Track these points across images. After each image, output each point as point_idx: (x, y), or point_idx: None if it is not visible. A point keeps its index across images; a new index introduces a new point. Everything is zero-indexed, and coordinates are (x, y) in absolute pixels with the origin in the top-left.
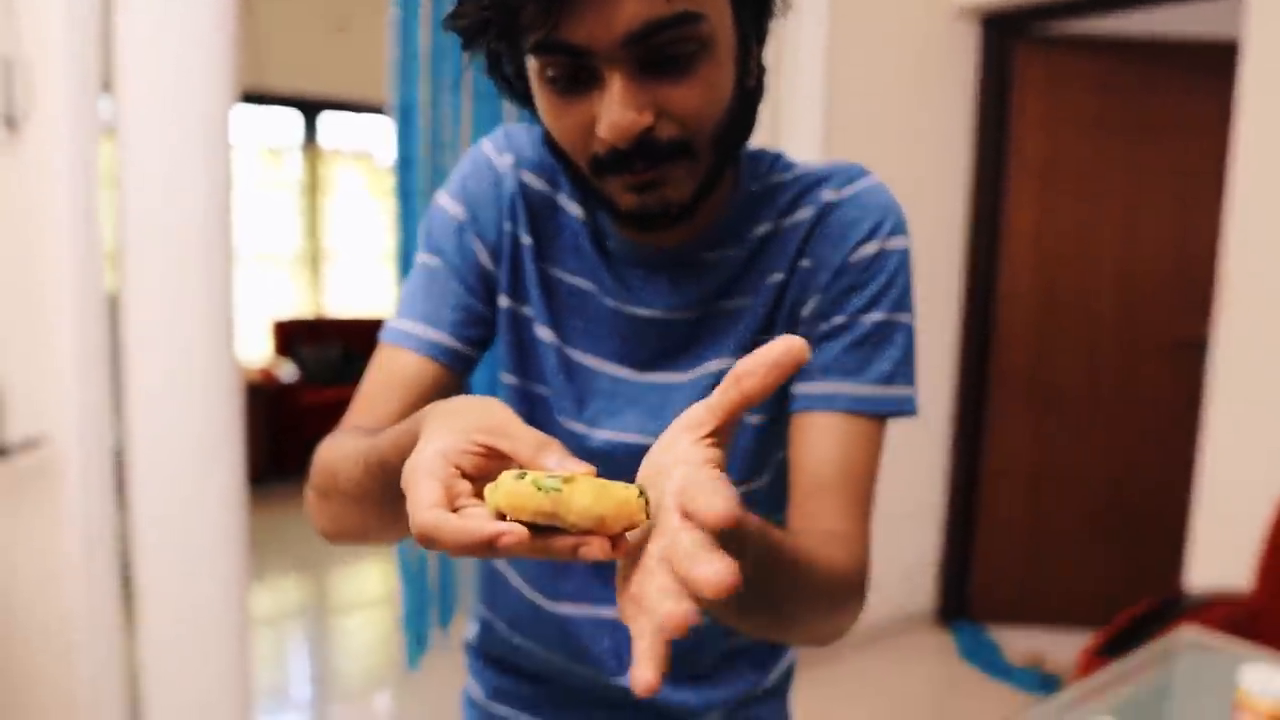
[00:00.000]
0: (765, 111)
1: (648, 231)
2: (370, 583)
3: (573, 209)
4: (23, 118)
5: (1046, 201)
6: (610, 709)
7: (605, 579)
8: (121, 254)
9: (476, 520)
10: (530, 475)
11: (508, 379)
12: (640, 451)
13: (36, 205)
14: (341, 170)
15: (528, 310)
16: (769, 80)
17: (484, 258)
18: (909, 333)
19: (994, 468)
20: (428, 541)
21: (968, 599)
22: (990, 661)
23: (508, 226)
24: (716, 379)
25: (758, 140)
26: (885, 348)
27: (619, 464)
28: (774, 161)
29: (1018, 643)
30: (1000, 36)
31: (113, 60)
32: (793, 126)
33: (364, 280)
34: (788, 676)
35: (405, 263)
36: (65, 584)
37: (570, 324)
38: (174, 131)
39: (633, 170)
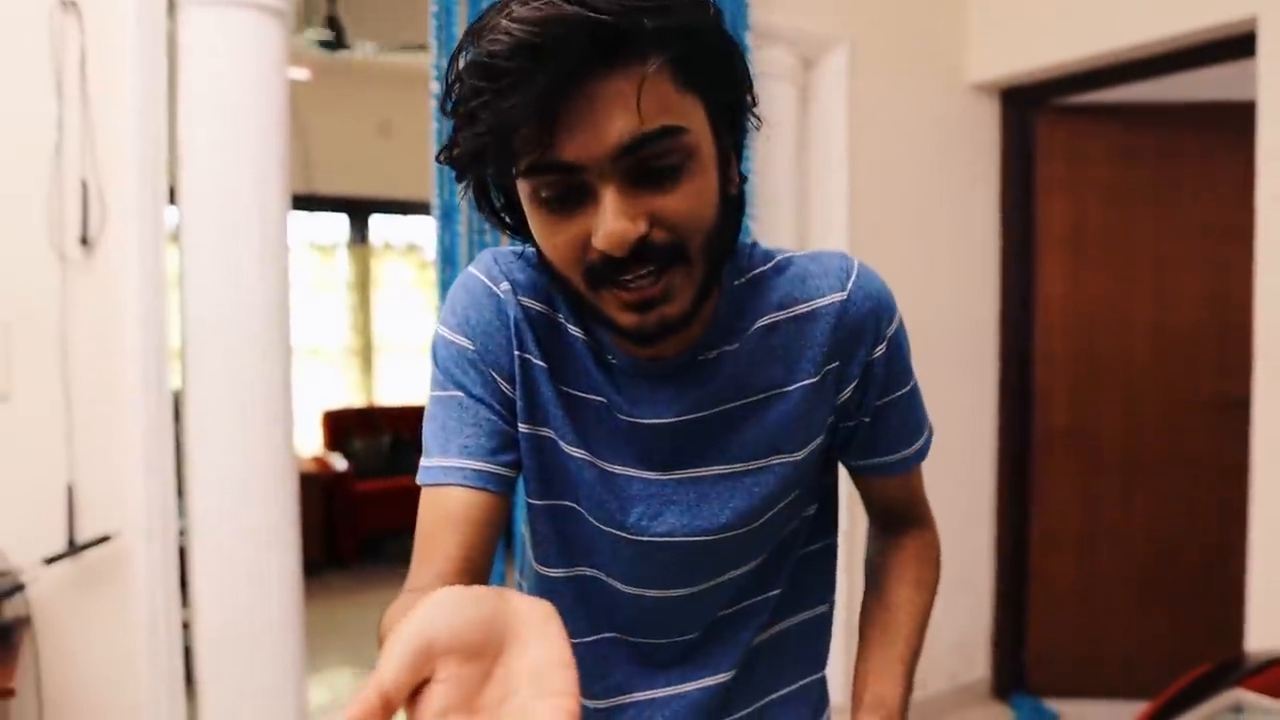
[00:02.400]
0: (795, 195)
1: (647, 345)
2: None
3: (573, 329)
4: (98, 236)
5: (1076, 266)
6: None
7: (651, 664)
8: (185, 353)
9: None
10: None
11: (537, 501)
12: (689, 547)
13: (110, 314)
14: (390, 264)
15: (548, 432)
16: (798, 175)
17: (503, 385)
18: (917, 385)
19: (1042, 533)
20: None
21: (1023, 670)
22: None
23: (517, 353)
24: (747, 471)
25: (792, 213)
26: (911, 410)
27: (669, 552)
28: (750, 253)
29: (1076, 714)
30: (1020, 108)
31: (177, 173)
32: (823, 211)
33: (412, 370)
34: None
35: None
36: (132, 675)
37: (594, 437)
38: (233, 236)
39: (630, 277)
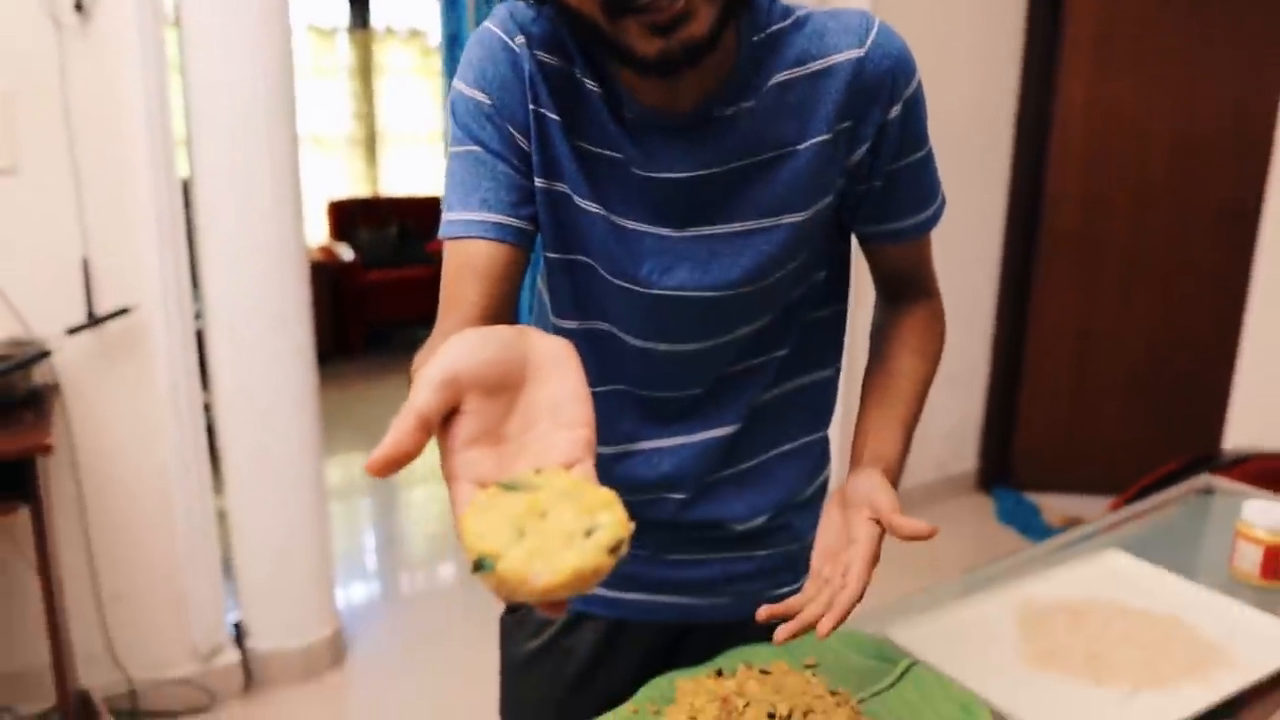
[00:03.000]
0: None
1: (668, 77)
2: (434, 456)
3: (589, 83)
4: (92, 4)
5: (1101, 68)
6: (668, 529)
7: (659, 416)
8: (190, 140)
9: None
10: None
11: (552, 255)
12: (699, 302)
13: (113, 93)
14: (393, 52)
15: (562, 187)
16: None
17: (519, 140)
18: (932, 151)
19: (1040, 330)
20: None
21: (1010, 464)
22: (1028, 523)
23: (533, 106)
24: (757, 230)
25: None
26: (924, 176)
27: (679, 307)
28: (769, 9)
29: (1057, 507)
30: None
31: None
32: None
33: (417, 160)
34: (823, 489)
35: None
36: (158, 439)
37: (608, 192)
38: (233, 15)
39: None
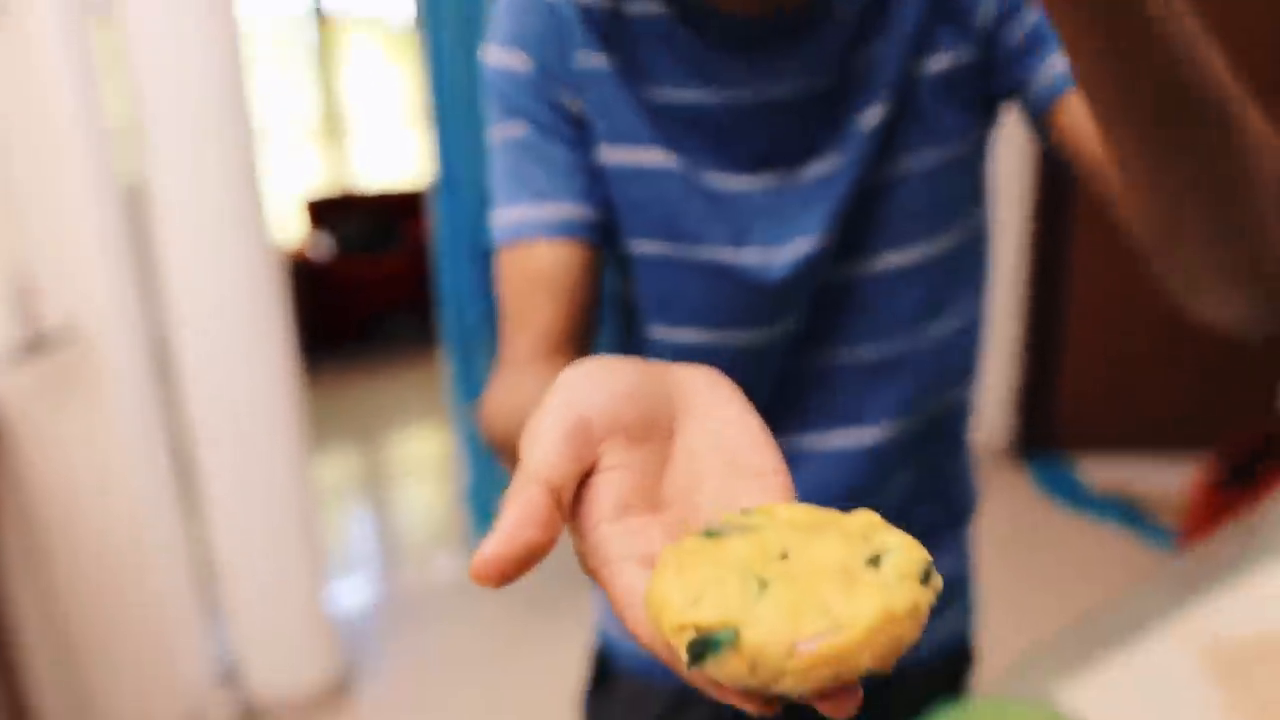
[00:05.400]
0: None
1: None
2: (430, 449)
3: (649, 6)
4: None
5: None
6: None
7: (791, 417)
8: (141, 140)
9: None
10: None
11: (639, 246)
12: (823, 258)
13: (37, 94)
14: (353, 39)
15: (631, 150)
16: None
17: (570, 104)
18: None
19: (1079, 286)
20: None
21: (1048, 428)
22: (1070, 492)
23: (580, 59)
24: (870, 134)
25: None
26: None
27: (801, 283)
28: None
29: (1099, 473)
30: None
31: None
32: None
33: (388, 150)
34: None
35: (444, 125)
36: (121, 475)
37: (689, 145)
38: (175, 11)
39: None
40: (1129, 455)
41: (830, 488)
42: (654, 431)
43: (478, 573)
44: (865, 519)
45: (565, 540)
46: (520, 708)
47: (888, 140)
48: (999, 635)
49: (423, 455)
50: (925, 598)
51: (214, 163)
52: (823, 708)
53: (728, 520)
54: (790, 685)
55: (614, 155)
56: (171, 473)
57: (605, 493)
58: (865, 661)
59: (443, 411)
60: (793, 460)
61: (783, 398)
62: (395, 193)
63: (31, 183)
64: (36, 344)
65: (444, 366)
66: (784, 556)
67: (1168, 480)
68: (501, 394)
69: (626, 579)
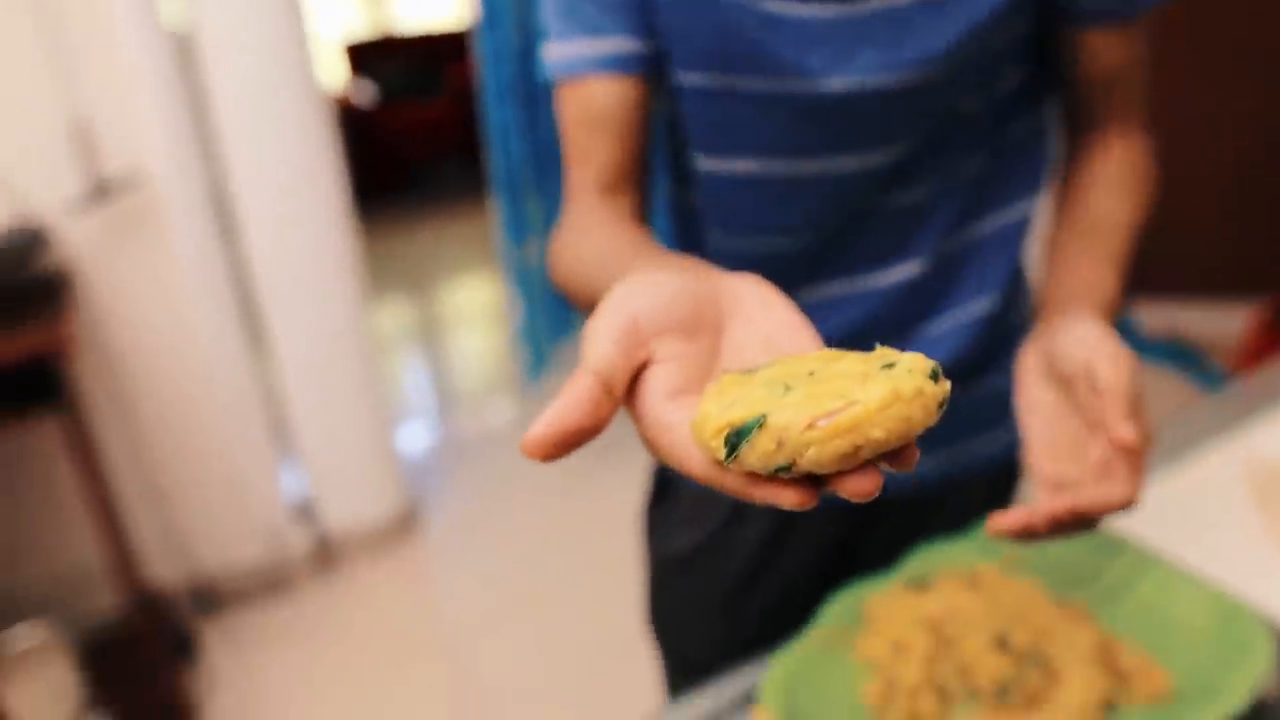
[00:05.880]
0: None
1: None
2: (485, 295)
3: None
4: None
5: None
6: None
7: (826, 264)
8: None
9: (730, 482)
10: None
11: (684, 74)
12: (884, 94)
13: None
14: None
15: None
16: None
17: None
18: None
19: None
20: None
21: None
22: (1122, 335)
23: None
24: None
25: None
26: None
27: (861, 113)
28: None
29: (1152, 318)
30: None
31: None
32: None
33: None
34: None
35: None
36: (192, 321)
37: None
38: None
39: None
40: (1183, 300)
41: (879, 323)
42: (702, 330)
43: (527, 449)
44: (885, 350)
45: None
46: (575, 537)
47: None
48: None
49: (474, 302)
50: (932, 390)
51: (257, 7)
52: (845, 488)
53: (765, 362)
54: (814, 457)
55: None
56: (239, 318)
57: (659, 381)
58: (878, 434)
59: (494, 258)
60: (844, 299)
61: (835, 233)
62: (438, 34)
63: (83, 35)
64: (101, 191)
65: (492, 211)
66: (810, 375)
67: (1222, 325)
68: (567, 236)
69: (683, 432)
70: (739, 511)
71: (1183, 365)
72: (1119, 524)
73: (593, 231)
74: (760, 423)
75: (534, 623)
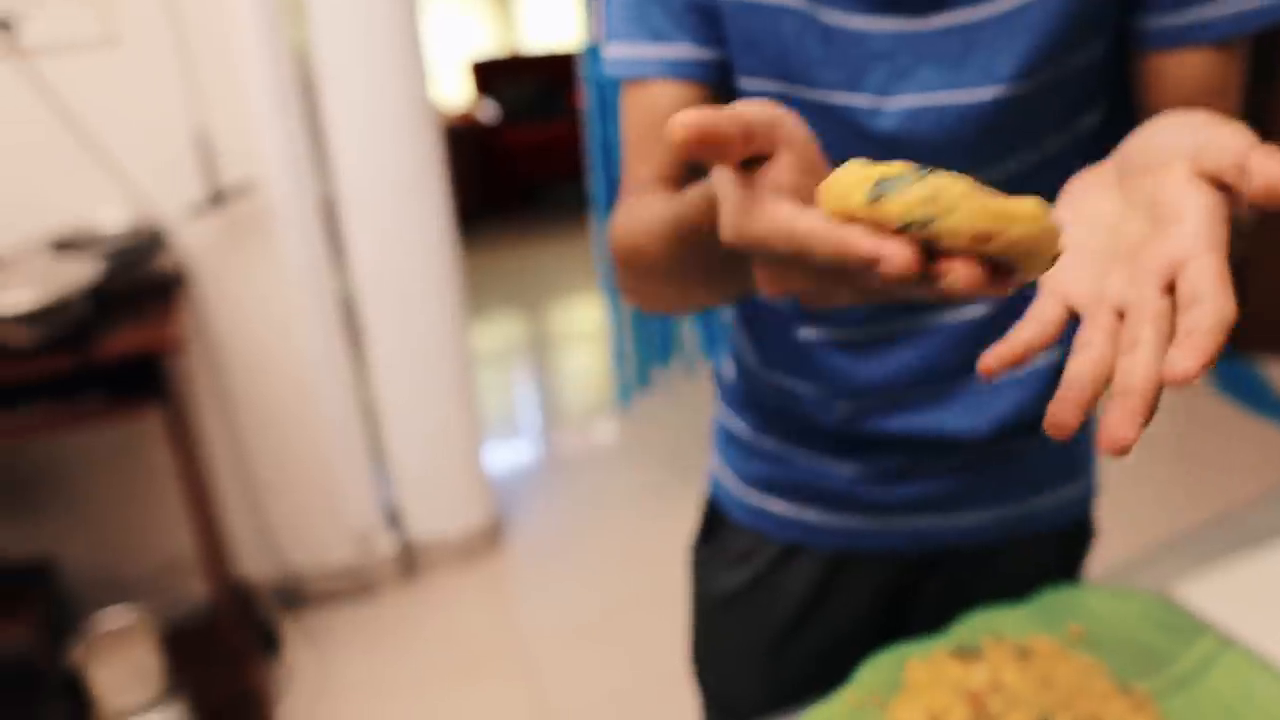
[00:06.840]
0: None
1: None
2: (594, 316)
3: None
4: None
5: None
6: (899, 437)
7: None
8: (305, 7)
9: (844, 232)
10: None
11: (746, 84)
12: (948, 118)
13: None
14: None
15: None
16: None
17: None
18: None
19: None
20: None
21: (1235, 326)
22: (1256, 396)
23: None
24: (1025, 5)
25: None
26: None
27: (919, 143)
28: None
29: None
30: None
31: None
32: None
33: (557, 11)
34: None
35: None
36: (296, 326)
37: None
38: None
39: None
40: None
41: (942, 364)
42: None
43: (677, 129)
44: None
45: (705, 412)
46: (659, 563)
47: None
48: (1135, 525)
49: (583, 322)
50: (1058, 235)
51: (376, 28)
52: (951, 270)
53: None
54: (953, 224)
55: None
56: (340, 326)
57: (773, 173)
58: (1016, 232)
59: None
60: (905, 336)
61: None
62: (562, 55)
63: (208, 52)
64: (218, 198)
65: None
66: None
67: None
68: (625, 217)
69: (787, 205)
70: (788, 552)
71: None
72: (1203, 606)
73: (652, 198)
74: (922, 176)
75: (608, 645)
